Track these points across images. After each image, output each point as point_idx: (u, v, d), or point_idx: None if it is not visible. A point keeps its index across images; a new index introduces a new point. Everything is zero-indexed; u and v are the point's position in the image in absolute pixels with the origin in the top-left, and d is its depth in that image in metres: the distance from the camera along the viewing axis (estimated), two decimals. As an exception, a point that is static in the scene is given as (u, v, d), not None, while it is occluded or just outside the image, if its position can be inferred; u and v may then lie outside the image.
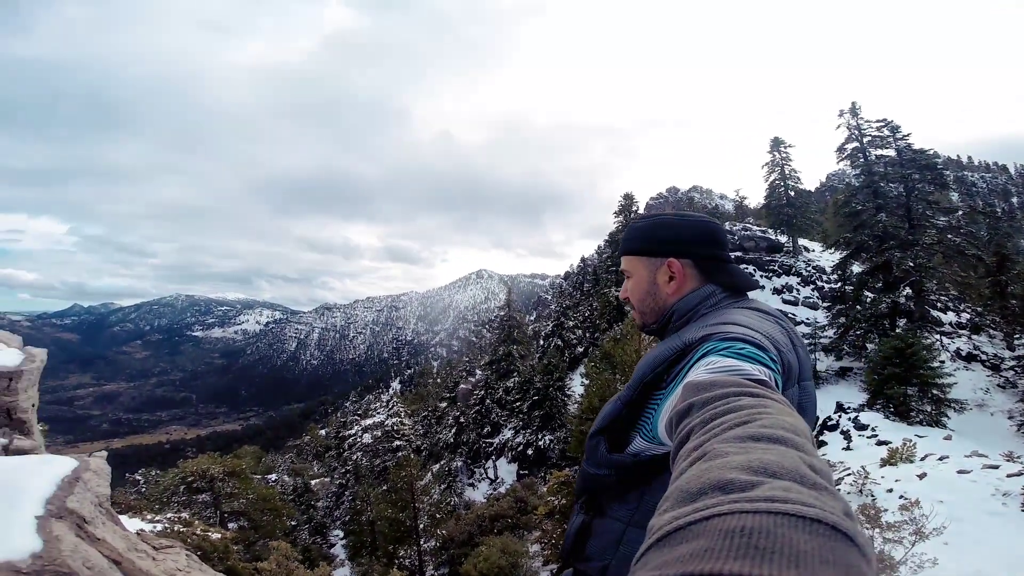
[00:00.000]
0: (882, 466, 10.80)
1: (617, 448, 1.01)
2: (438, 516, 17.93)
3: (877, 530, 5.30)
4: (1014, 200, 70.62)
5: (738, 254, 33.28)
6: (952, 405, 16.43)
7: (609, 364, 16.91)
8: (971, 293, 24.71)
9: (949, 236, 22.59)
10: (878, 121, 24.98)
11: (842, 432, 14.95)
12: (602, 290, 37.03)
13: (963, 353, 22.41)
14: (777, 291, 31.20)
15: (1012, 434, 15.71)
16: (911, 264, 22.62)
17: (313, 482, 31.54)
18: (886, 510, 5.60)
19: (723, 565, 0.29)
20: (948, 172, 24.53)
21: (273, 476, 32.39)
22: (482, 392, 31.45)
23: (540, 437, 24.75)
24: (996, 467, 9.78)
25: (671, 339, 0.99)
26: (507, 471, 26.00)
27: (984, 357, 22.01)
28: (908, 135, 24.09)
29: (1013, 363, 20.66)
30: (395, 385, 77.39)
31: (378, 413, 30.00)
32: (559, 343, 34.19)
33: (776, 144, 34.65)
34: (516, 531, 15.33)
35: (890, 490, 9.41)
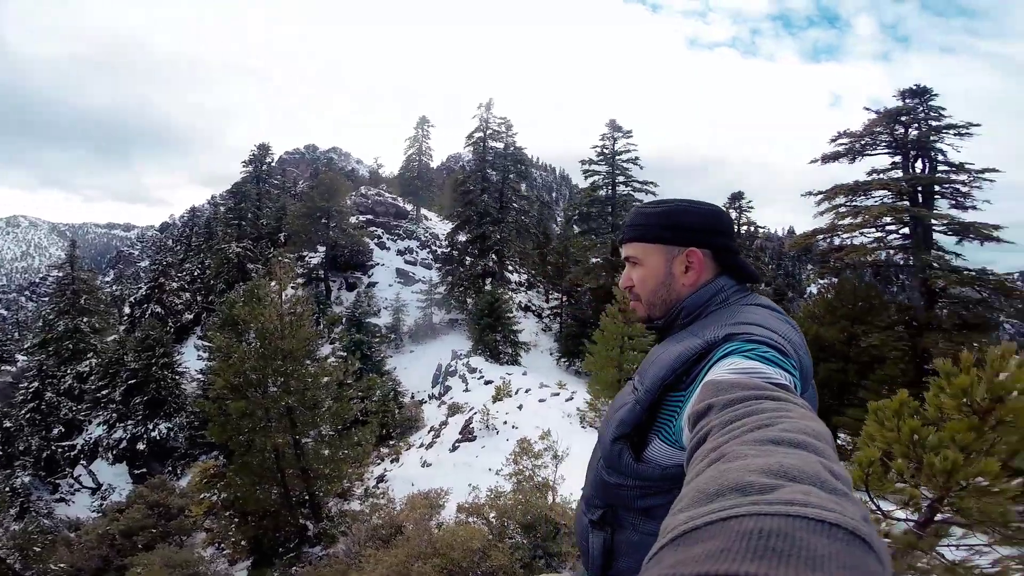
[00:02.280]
0: (494, 402, 13.98)
1: (635, 452, 0.98)
2: (36, 550, 12.07)
3: (530, 459, 6.80)
4: (554, 194, 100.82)
5: (369, 216, 34.83)
6: (523, 346, 22.58)
7: (235, 331, 14.84)
8: (528, 260, 33.99)
9: (522, 217, 30.16)
10: (501, 118, 30.75)
11: (460, 376, 18.34)
12: (218, 245, 31.78)
13: (523, 305, 30.89)
14: (400, 252, 34.59)
15: (556, 366, 23.03)
16: (499, 236, 29.35)
17: None
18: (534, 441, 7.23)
19: (740, 566, 0.29)
20: (528, 168, 32.63)
21: None
22: (36, 383, 22.14)
23: (152, 427, 19.67)
24: (558, 394, 14.23)
25: (687, 338, 0.96)
26: (114, 474, 19.66)
27: (534, 308, 31.04)
28: (516, 134, 30.66)
29: (549, 312, 30.07)
30: None
31: None
32: (159, 310, 27.47)
33: (422, 122, 37.68)
34: (168, 539, 12.12)
35: (505, 422, 12.40)
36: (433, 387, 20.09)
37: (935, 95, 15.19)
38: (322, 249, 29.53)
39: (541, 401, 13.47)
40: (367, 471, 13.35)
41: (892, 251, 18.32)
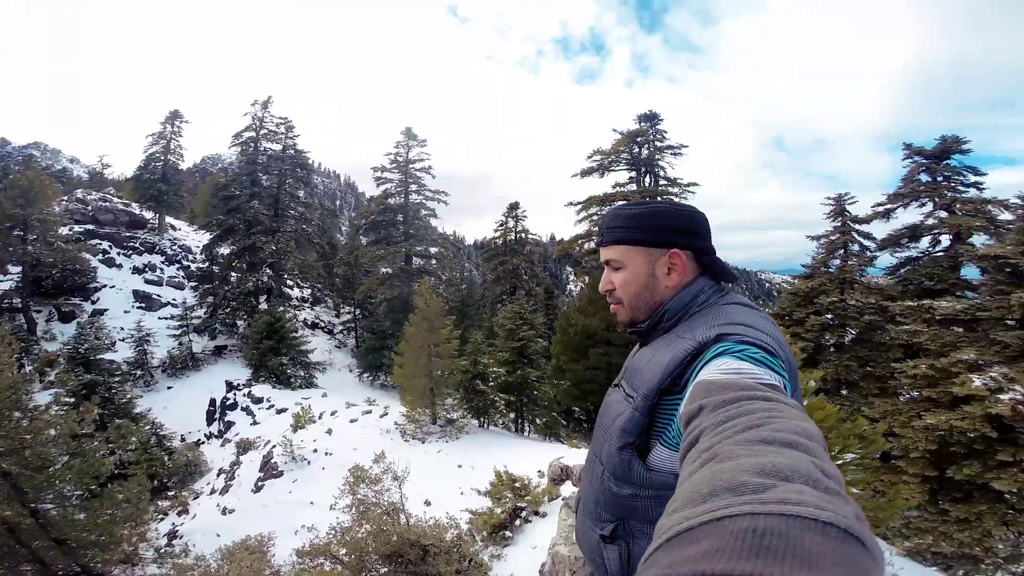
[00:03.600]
0: (295, 431, 12.45)
1: (640, 457, 0.97)
2: None
3: (368, 486, 6.32)
4: (339, 202, 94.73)
5: (90, 227, 27.23)
6: (317, 367, 20.67)
7: None
8: (311, 273, 31.33)
9: (303, 226, 27.65)
10: (281, 118, 27.24)
11: (244, 409, 15.80)
12: None
13: (309, 322, 28.30)
14: (138, 270, 27.90)
15: (359, 383, 21.66)
16: (274, 248, 26.23)
17: None
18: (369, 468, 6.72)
19: (735, 565, 0.29)
20: (309, 173, 29.87)
21: None
22: None
23: None
24: (370, 412, 13.48)
25: (675, 340, 0.97)
26: None
27: (324, 324, 28.72)
28: (297, 136, 27.59)
29: (342, 328, 28.24)
30: None
31: None
32: None
33: (173, 117, 30.61)
34: None
35: (315, 450, 11.15)
36: (209, 424, 16.94)
37: (661, 119, 19.47)
38: (17, 270, 21.88)
39: (353, 422, 12.57)
40: (149, 529, 10.69)
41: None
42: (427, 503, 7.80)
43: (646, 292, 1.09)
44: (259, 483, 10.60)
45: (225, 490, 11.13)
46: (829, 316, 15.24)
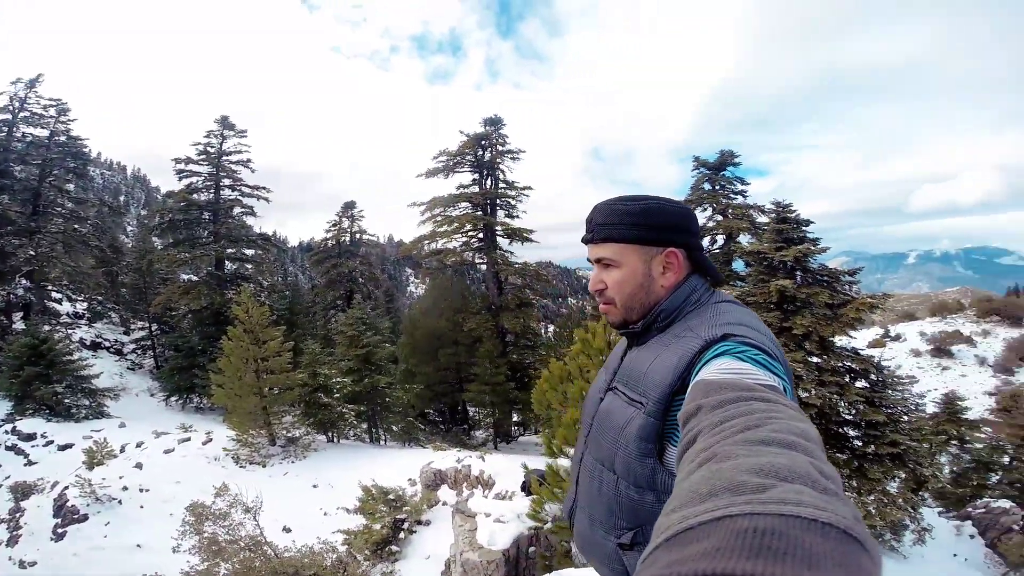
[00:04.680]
0: (91, 468, 9.94)
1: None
2: None
3: (214, 523, 5.51)
4: (123, 198, 77.30)
5: None
6: (107, 394, 16.77)
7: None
8: (87, 282, 25.35)
9: (75, 227, 22.30)
10: (52, 100, 21.17)
11: (10, 448, 12.15)
12: None
13: (88, 342, 22.83)
14: None
15: (166, 408, 18.05)
16: (32, 253, 20.61)
17: None
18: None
19: (735, 564, 0.29)
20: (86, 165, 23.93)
21: None
22: None
23: None
24: (188, 439, 11.46)
25: (674, 341, 0.97)
26: None
27: (108, 344, 23.40)
28: (73, 120, 21.75)
29: (134, 347, 23.36)
30: None
31: None
32: None
33: None
34: None
35: (125, 487, 9.02)
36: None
37: (504, 124, 20.30)
38: None
39: (169, 452, 10.48)
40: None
41: (472, 252, 23.21)
42: (286, 530, 7.01)
43: (641, 292, 1.05)
44: (59, 530, 8.22)
45: (13, 541, 8.44)
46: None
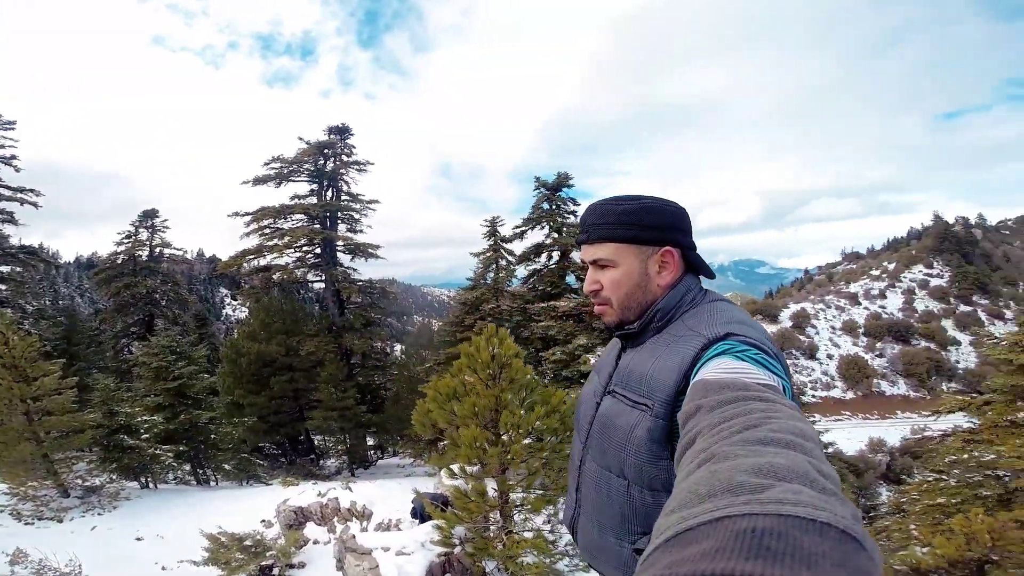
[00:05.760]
0: None
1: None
2: None
3: None
4: None
5: None
6: None
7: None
8: None
9: None
10: None
11: None
12: None
13: None
14: None
15: None
16: None
17: None
18: None
19: (735, 565, 0.28)
20: None
21: None
22: None
23: None
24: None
25: (674, 341, 0.97)
26: None
27: None
28: None
29: None
30: None
31: None
32: None
33: None
34: None
35: None
36: None
37: (352, 134, 19.11)
38: None
39: None
40: None
41: (306, 269, 21.44)
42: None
43: (639, 292, 1.05)
44: None
45: None
46: (490, 319, 18.27)
